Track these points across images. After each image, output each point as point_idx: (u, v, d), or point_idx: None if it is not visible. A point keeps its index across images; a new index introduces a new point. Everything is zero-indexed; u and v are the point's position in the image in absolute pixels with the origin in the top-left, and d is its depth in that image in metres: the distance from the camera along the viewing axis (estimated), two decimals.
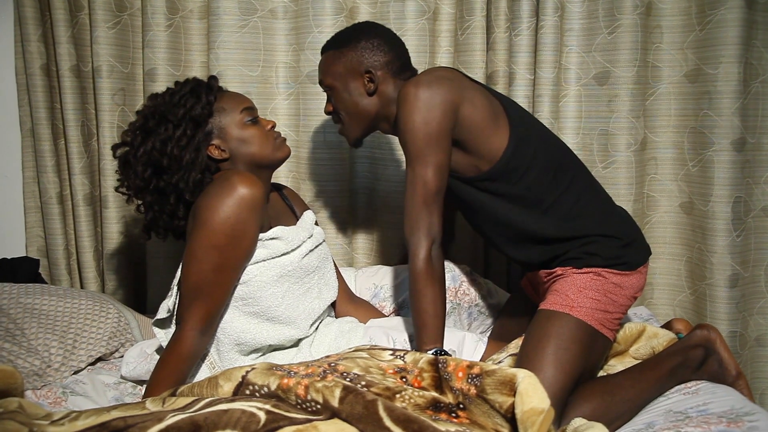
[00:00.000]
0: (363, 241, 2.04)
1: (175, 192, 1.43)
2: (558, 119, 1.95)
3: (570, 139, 1.95)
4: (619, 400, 1.30)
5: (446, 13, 1.92)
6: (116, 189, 1.54)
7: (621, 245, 1.43)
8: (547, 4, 1.87)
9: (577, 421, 1.12)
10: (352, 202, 2.03)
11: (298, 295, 1.45)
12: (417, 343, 1.39)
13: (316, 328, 1.53)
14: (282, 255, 1.42)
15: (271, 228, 1.43)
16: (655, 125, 1.97)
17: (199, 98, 1.43)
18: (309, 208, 1.65)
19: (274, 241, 1.41)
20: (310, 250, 1.49)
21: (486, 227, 1.53)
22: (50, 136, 1.99)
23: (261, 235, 1.39)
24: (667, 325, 1.62)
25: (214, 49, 1.93)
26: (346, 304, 1.66)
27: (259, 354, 1.44)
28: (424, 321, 1.37)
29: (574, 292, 1.38)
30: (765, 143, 1.92)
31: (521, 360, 1.35)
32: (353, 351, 1.23)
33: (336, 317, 1.65)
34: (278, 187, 1.67)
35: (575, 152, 1.95)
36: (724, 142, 1.86)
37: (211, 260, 1.31)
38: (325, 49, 1.56)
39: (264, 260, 1.39)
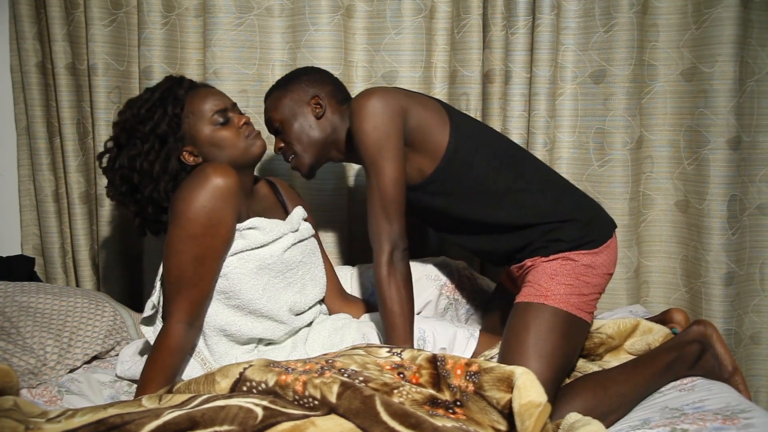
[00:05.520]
0: (361, 240, 2.03)
1: (151, 203, 1.45)
2: (554, 117, 1.95)
3: (566, 137, 1.96)
4: (612, 394, 1.30)
5: (443, 11, 1.92)
6: (107, 194, 1.54)
7: (582, 225, 1.45)
8: (544, 3, 1.87)
9: (573, 416, 1.12)
10: (351, 201, 2.02)
11: (278, 289, 1.44)
12: (388, 343, 1.40)
13: (309, 324, 1.53)
14: (261, 246, 1.41)
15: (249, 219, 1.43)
16: (651, 123, 1.97)
17: (165, 111, 1.42)
18: (302, 203, 1.64)
19: (251, 231, 1.40)
20: (293, 244, 1.48)
21: (448, 229, 1.57)
22: (46, 134, 1.99)
23: (238, 225, 1.38)
24: (666, 315, 1.62)
25: (210, 46, 1.92)
26: (339, 302, 1.65)
27: (252, 347, 1.44)
28: (392, 322, 1.39)
29: (546, 280, 1.40)
30: (760, 141, 1.93)
31: (503, 356, 1.36)
32: (350, 349, 1.23)
33: (329, 314, 1.64)
34: (272, 182, 1.66)
35: (571, 151, 1.98)
36: (719, 140, 1.86)
37: (190, 251, 1.31)
38: (269, 93, 1.62)
39: (242, 251, 1.39)
